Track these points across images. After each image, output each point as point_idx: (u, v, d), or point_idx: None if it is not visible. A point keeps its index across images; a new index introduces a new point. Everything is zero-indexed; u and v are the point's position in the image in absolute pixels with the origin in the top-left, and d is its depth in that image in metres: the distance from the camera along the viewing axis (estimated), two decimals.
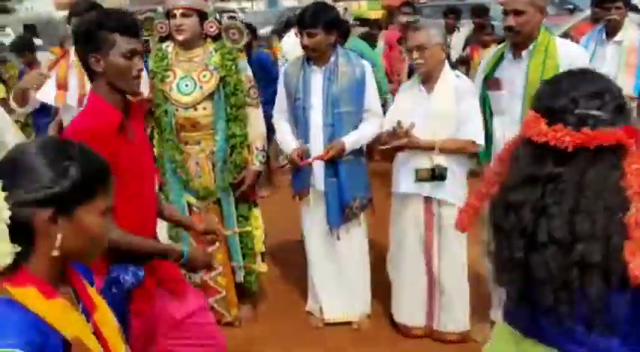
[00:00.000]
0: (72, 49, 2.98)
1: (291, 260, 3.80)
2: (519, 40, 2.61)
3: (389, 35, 6.19)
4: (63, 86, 3.00)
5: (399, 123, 2.66)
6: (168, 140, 2.88)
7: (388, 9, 7.73)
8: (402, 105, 2.88)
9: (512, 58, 2.67)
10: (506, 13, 2.57)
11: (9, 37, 9.78)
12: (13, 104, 3.27)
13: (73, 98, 3.01)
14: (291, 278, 3.67)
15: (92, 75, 1.84)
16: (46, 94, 3.07)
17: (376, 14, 8.70)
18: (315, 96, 2.92)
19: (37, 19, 12.86)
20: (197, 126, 2.87)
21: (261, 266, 3.15)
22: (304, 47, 2.92)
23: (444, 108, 2.71)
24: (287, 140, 3.00)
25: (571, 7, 11.71)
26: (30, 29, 10.45)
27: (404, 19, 6.13)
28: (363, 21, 7.08)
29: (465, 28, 7.08)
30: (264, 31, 10.22)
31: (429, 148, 2.67)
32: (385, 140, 2.74)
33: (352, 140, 2.89)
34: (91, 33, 1.78)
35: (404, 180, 2.81)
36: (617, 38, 4.21)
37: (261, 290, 3.42)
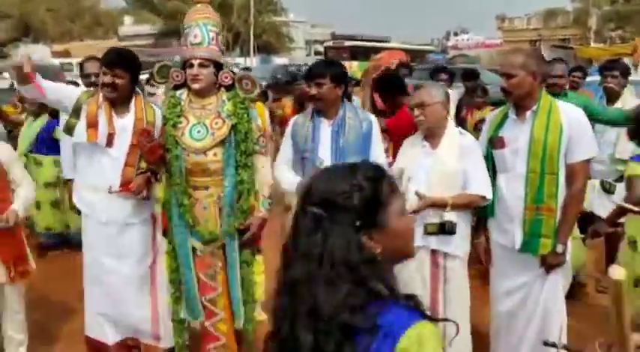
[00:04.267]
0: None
1: None
2: (514, 101, 2.79)
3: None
4: (93, 124, 2.94)
5: (401, 171, 2.73)
6: (177, 184, 2.91)
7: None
8: (406, 159, 2.96)
9: (516, 117, 2.81)
10: (501, 75, 2.77)
11: (6, 81, 9.98)
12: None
13: (102, 136, 2.95)
14: None
15: None
16: (79, 134, 2.98)
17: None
18: (323, 149, 2.99)
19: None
20: (206, 171, 2.91)
21: (261, 315, 3.13)
22: (311, 97, 3.03)
23: (449, 165, 2.81)
24: (291, 179, 3.02)
25: None
26: None
27: None
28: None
29: (455, 91, 7.33)
30: None
31: (441, 205, 2.72)
32: None
33: None
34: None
35: None
36: (617, 105, 4.28)
37: (259, 338, 3.37)
